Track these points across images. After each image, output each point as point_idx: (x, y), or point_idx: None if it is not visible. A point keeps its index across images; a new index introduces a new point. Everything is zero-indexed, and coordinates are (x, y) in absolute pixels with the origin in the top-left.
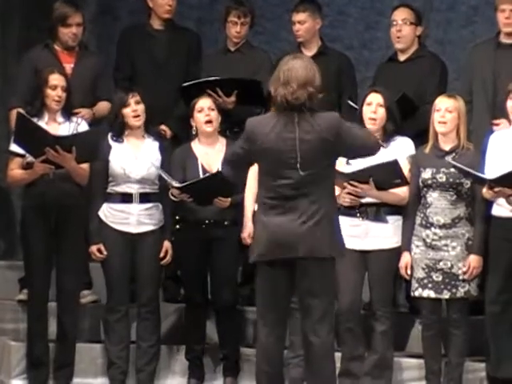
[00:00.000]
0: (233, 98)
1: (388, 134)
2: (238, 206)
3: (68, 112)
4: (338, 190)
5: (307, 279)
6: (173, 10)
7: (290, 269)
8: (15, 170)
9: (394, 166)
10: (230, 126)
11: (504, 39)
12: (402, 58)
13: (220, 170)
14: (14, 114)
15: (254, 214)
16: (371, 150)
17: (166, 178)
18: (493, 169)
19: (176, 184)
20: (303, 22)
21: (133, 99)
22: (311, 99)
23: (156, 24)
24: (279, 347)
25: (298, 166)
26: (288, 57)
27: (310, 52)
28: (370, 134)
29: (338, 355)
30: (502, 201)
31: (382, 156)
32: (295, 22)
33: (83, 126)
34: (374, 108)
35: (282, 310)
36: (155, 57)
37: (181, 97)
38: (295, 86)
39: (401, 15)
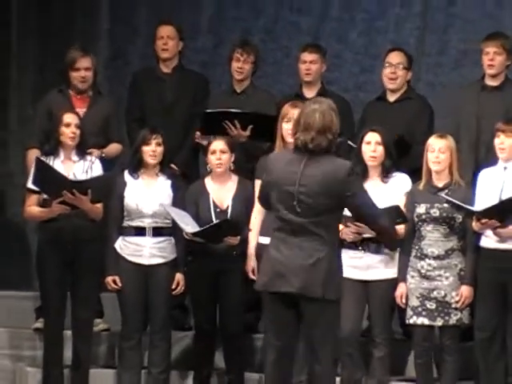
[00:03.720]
0: (248, 132)
1: (387, 170)
2: (246, 240)
3: (82, 151)
4: (340, 226)
5: (307, 313)
6: (170, 50)
7: (293, 299)
8: (32, 207)
9: (395, 210)
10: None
11: (488, 81)
12: (391, 98)
13: (229, 217)
14: (30, 153)
15: (258, 247)
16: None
17: (179, 224)
18: (482, 203)
19: (189, 230)
20: (314, 62)
21: (155, 140)
22: (330, 145)
23: (164, 68)
24: (286, 374)
25: (298, 211)
26: (309, 101)
27: (310, 94)
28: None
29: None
30: (489, 232)
31: (383, 192)
32: (306, 61)
33: (97, 165)
34: (373, 147)
35: (289, 337)
36: (163, 99)
37: (203, 122)
38: (314, 133)
39: (396, 59)
